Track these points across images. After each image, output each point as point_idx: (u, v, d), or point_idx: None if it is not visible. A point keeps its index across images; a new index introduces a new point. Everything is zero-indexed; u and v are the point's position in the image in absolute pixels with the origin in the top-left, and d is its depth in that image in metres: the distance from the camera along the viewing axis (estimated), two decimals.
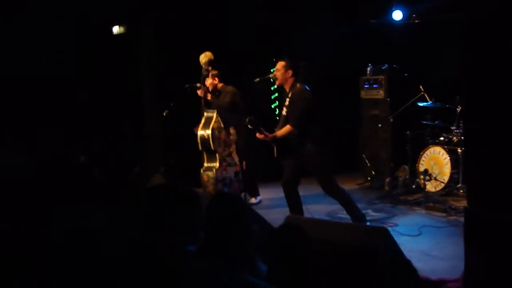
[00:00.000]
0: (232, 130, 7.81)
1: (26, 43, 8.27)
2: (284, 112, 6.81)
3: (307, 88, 6.81)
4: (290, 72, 6.78)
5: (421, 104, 8.86)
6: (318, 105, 6.88)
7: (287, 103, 6.76)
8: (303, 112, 6.66)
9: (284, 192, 6.92)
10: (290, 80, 6.79)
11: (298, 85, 6.77)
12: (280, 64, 6.82)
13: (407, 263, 2.96)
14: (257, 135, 6.68)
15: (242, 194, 7.52)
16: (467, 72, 3.78)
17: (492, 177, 3.63)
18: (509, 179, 3.55)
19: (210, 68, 7.68)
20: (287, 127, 6.66)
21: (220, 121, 7.59)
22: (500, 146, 3.58)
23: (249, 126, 6.62)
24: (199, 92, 7.81)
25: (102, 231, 3.24)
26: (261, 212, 6.53)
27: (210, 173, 7.55)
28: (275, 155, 6.85)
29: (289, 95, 6.74)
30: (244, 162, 7.76)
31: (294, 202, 6.89)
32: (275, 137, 6.68)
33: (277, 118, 7.18)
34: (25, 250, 3.57)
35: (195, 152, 7.98)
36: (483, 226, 3.66)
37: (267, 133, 6.63)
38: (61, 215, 4.49)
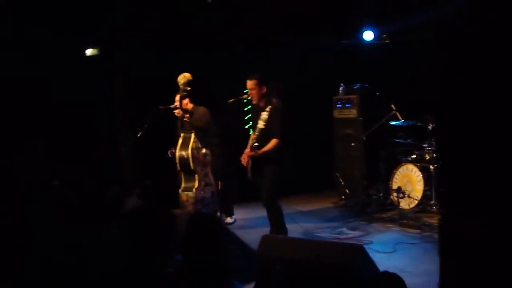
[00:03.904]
0: (207, 150, 7.80)
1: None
2: (261, 125, 6.76)
3: (280, 101, 6.92)
4: (264, 88, 6.87)
5: (393, 123, 8.97)
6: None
7: (264, 116, 6.74)
8: (284, 125, 6.79)
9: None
10: (265, 95, 6.89)
11: (274, 99, 6.85)
12: (253, 83, 6.88)
13: (397, 277, 2.98)
14: (247, 151, 6.75)
15: (218, 214, 7.53)
16: (443, 87, 3.88)
17: (465, 186, 3.73)
18: (480, 188, 3.65)
19: (188, 88, 7.68)
20: (274, 141, 6.75)
21: (198, 141, 7.59)
22: (471, 157, 3.69)
23: (254, 145, 6.70)
24: (176, 112, 7.79)
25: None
26: (237, 232, 6.55)
27: (189, 193, 7.52)
28: (250, 175, 6.90)
29: (268, 109, 6.74)
30: (220, 183, 7.76)
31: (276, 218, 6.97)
32: (263, 152, 6.75)
33: (250, 132, 7.25)
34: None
35: (169, 173, 7.95)
36: (457, 235, 3.74)
37: (257, 151, 6.72)
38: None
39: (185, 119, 7.74)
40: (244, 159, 6.85)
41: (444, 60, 3.83)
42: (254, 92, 6.89)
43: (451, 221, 3.80)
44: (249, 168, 6.86)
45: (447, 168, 3.93)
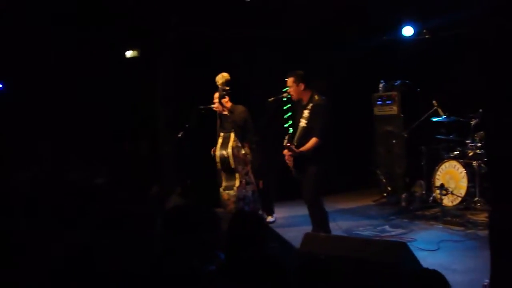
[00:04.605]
0: (246, 149, 7.85)
1: (43, 60, 8.39)
2: (303, 123, 6.71)
3: (324, 98, 6.81)
4: (302, 85, 6.79)
5: (435, 119, 8.86)
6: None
7: (306, 114, 6.68)
8: (326, 123, 6.68)
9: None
10: (306, 93, 6.79)
11: (316, 96, 6.76)
12: (290, 80, 6.85)
13: (438, 273, 2.95)
14: (286, 152, 6.65)
15: (260, 212, 7.55)
16: (488, 82, 3.82)
17: None
18: None
19: (227, 88, 7.72)
20: (314, 140, 6.62)
21: (238, 140, 7.64)
22: None
23: (287, 144, 6.61)
24: (216, 108, 7.83)
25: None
26: (278, 230, 6.53)
27: (231, 192, 7.58)
28: (293, 173, 6.85)
29: (309, 107, 6.68)
30: (260, 181, 7.79)
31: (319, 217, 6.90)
32: (301, 152, 6.64)
33: (290, 130, 7.21)
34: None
35: (210, 172, 8.01)
36: (508, 232, 3.68)
37: (295, 150, 6.61)
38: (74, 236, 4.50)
39: (224, 113, 7.78)
40: (287, 157, 6.76)
41: (486, 56, 3.77)
42: (292, 89, 6.85)
43: (502, 217, 3.74)
44: (292, 166, 6.81)
45: (496, 164, 3.86)
